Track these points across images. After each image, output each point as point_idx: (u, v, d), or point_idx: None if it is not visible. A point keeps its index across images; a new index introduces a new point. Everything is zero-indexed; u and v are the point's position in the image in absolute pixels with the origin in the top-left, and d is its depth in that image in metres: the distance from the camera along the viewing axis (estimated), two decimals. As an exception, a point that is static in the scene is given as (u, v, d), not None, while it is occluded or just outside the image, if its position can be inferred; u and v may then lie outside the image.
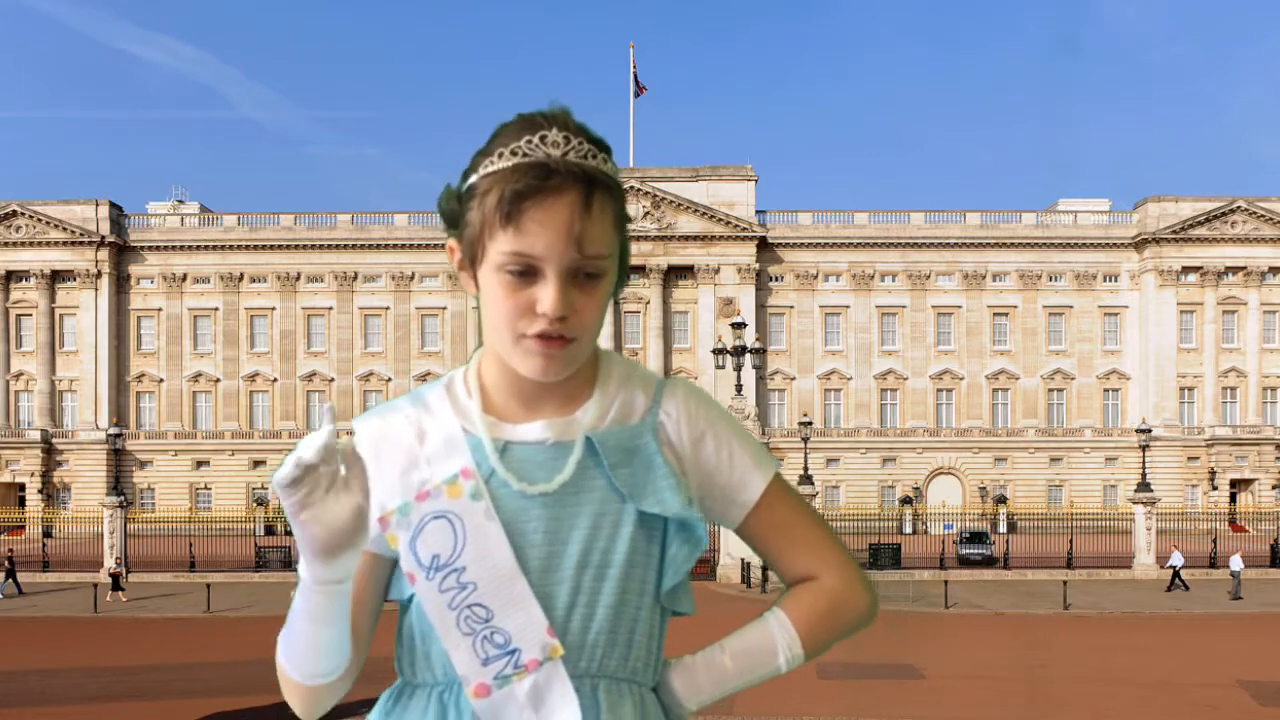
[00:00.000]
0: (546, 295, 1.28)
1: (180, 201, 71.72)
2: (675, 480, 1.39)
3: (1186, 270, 66.45)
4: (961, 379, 67.66)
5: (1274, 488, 64.06)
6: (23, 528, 52.78)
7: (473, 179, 1.33)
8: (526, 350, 1.31)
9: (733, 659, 1.44)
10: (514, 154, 1.29)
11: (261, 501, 61.84)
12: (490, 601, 1.33)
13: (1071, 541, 39.41)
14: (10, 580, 33.24)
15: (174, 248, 67.59)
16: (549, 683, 1.34)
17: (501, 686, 1.34)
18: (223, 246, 67.70)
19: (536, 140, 1.29)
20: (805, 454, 43.33)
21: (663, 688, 1.44)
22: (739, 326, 36.60)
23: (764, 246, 66.90)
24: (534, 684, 1.33)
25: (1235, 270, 66.45)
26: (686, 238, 66.08)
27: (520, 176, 1.27)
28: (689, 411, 1.44)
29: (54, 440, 65.85)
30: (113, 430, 48.06)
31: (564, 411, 1.40)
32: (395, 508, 1.37)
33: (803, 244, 67.80)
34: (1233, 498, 64.40)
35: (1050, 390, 67.96)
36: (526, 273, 1.29)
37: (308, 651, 1.32)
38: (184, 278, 67.51)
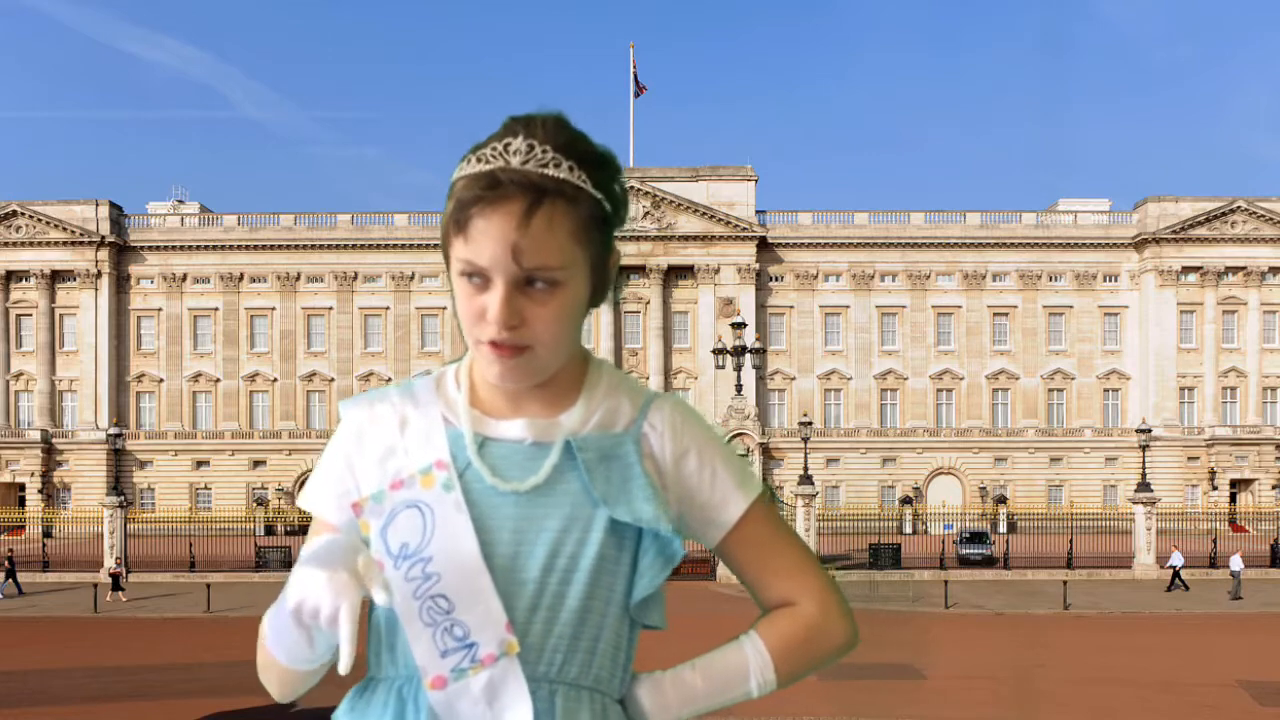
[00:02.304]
0: (492, 303, 1.29)
1: (180, 201, 71.66)
2: (652, 491, 1.39)
3: (1186, 270, 66.42)
4: (961, 379, 67.64)
5: (1274, 488, 64.05)
6: (23, 528, 52.69)
7: (451, 180, 1.34)
8: (484, 357, 1.33)
9: (704, 679, 1.43)
10: (478, 160, 1.30)
11: (261, 501, 61.85)
12: (453, 593, 1.33)
13: (1071, 541, 39.40)
14: (10, 580, 33.26)
15: (174, 248, 67.58)
16: (504, 679, 1.33)
17: (458, 679, 1.33)
18: (223, 246, 67.68)
19: (500, 148, 1.29)
20: (805, 454, 43.27)
21: (630, 702, 1.43)
22: (739, 326, 36.60)
23: (764, 246, 66.88)
24: (489, 679, 1.33)
25: (1235, 270, 66.42)
26: (686, 238, 66.06)
27: (470, 185, 1.28)
28: (675, 427, 1.44)
29: (54, 440, 65.83)
30: (113, 430, 48.08)
31: (548, 413, 1.41)
32: (370, 494, 1.38)
33: (803, 244, 67.78)
34: (1233, 498, 64.35)
35: (1050, 390, 67.94)
36: (480, 280, 1.30)
37: (297, 637, 1.29)
38: (184, 278, 67.50)
